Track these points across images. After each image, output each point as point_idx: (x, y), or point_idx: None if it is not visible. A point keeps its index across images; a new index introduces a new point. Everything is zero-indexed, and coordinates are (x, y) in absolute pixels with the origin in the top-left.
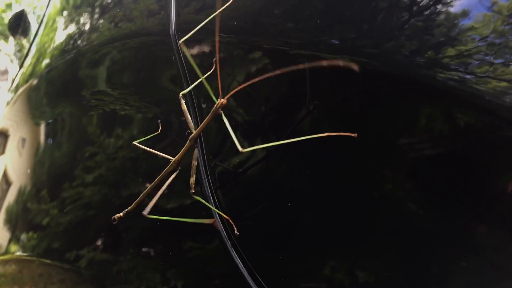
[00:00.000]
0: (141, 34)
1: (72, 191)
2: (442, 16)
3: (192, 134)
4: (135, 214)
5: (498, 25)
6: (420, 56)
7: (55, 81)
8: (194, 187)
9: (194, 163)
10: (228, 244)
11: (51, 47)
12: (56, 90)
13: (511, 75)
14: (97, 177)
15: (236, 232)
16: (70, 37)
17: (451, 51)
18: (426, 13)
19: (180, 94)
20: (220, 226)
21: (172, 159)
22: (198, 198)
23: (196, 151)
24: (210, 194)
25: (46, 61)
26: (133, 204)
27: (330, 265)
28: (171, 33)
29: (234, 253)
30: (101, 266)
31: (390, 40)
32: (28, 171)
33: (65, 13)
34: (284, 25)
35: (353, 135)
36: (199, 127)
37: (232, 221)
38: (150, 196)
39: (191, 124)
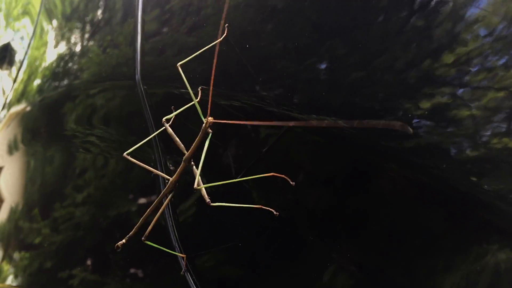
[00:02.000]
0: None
1: (63, 211)
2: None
3: (186, 155)
4: (119, 239)
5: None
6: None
7: (45, 114)
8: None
9: (197, 173)
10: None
11: (42, 66)
12: (46, 126)
13: (509, 80)
14: (86, 197)
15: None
16: (61, 57)
17: (448, 58)
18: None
19: (163, 119)
20: None
21: (169, 179)
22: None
23: (194, 169)
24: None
25: (37, 81)
26: (134, 229)
27: None
28: (136, 79)
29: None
30: (92, 287)
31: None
32: (20, 188)
33: (55, 23)
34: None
35: (291, 183)
36: (191, 148)
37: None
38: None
39: (182, 146)
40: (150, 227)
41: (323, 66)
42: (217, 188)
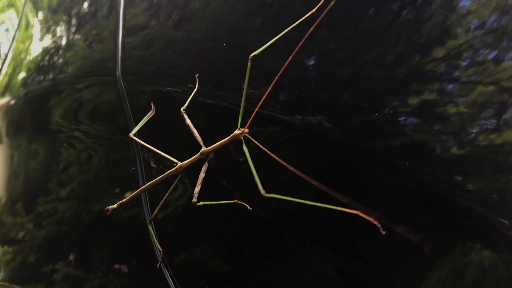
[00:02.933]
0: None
1: (47, 205)
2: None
3: (204, 149)
4: (102, 234)
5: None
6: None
7: (30, 108)
8: (197, 197)
9: (202, 175)
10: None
11: (27, 59)
12: (31, 120)
13: (502, 74)
14: (69, 192)
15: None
16: (46, 51)
17: (439, 52)
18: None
19: (182, 109)
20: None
21: (178, 163)
22: (202, 203)
23: (206, 164)
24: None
25: (22, 74)
26: (128, 197)
27: None
28: (117, 75)
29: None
30: (75, 282)
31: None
32: (3, 182)
33: (40, 15)
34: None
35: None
36: (213, 145)
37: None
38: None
39: (199, 138)
40: (156, 211)
41: (311, 62)
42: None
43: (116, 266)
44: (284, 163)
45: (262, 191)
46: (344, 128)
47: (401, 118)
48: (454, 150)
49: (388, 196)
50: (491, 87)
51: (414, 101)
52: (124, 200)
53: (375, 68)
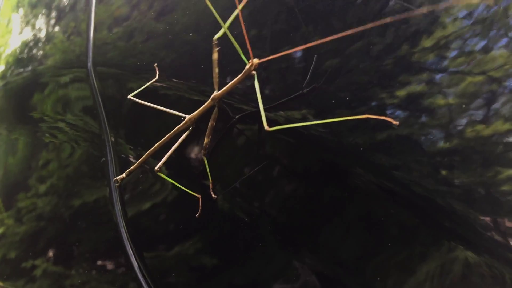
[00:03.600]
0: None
1: (27, 201)
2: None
3: (216, 93)
4: (83, 229)
5: None
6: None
7: (10, 99)
8: (207, 148)
9: (212, 123)
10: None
11: (6, 52)
12: (12, 110)
13: (490, 64)
14: (49, 187)
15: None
16: (25, 44)
17: (427, 42)
18: None
19: (214, 38)
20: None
21: (186, 117)
22: (205, 160)
23: (216, 110)
24: None
25: (1, 67)
26: (136, 163)
27: None
28: (88, 67)
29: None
30: (55, 278)
31: None
32: None
33: (21, 11)
34: None
35: (395, 122)
36: (226, 86)
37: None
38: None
39: (216, 80)
40: (164, 159)
41: (297, 54)
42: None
43: (99, 262)
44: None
45: (266, 127)
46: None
47: (388, 111)
48: (441, 143)
49: (372, 196)
50: (480, 78)
51: (401, 93)
52: (132, 167)
53: (362, 60)
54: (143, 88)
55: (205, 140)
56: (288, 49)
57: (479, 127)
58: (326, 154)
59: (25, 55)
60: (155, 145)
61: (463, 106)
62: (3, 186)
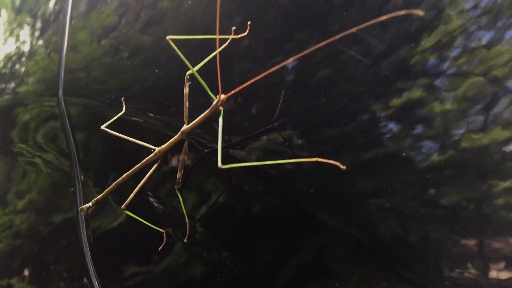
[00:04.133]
0: None
1: (5, 218)
2: None
3: (185, 127)
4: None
5: None
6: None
7: None
8: (181, 183)
9: (183, 157)
10: None
11: None
12: None
13: (495, 60)
14: (27, 203)
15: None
16: (8, 58)
17: (429, 41)
18: None
19: (187, 74)
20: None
21: (155, 149)
22: (179, 195)
23: (186, 144)
24: None
25: None
26: (103, 193)
27: None
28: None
29: None
30: None
31: None
32: None
33: (3, 15)
34: None
35: (342, 167)
36: (194, 121)
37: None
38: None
39: (186, 113)
40: (131, 196)
41: (289, 65)
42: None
43: (78, 282)
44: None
45: (219, 164)
46: (316, 142)
47: (380, 125)
48: (435, 156)
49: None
50: (481, 79)
51: (397, 101)
52: (99, 196)
53: (356, 67)
54: (113, 120)
55: (178, 175)
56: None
57: (476, 136)
58: (291, 194)
59: (7, 70)
60: (124, 175)
61: (462, 111)
62: None
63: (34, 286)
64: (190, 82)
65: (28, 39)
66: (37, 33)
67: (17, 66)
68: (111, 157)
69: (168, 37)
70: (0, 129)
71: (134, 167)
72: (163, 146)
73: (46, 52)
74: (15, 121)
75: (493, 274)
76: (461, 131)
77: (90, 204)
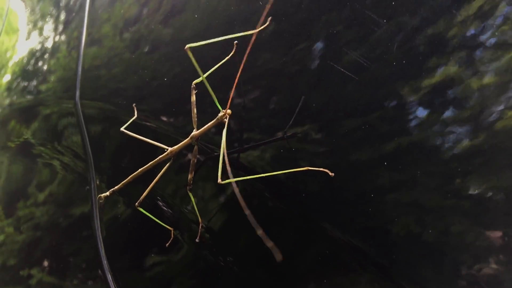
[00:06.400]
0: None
1: (26, 210)
2: None
3: (194, 133)
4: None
5: None
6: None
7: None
8: (192, 183)
9: (194, 160)
10: None
11: (13, 59)
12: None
13: None
14: (47, 196)
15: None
16: (32, 53)
17: (469, 9)
18: None
19: (193, 83)
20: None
21: (167, 149)
22: (190, 195)
23: (196, 148)
24: None
25: (7, 76)
26: (120, 184)
27: None
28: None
29: None
30: None
31: None
32: None
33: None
34: None
35: (330, 174)
36: (201, 129)
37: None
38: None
39: (195, 119)
40: (145, 193)
41: (314, 52)
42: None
43: (98, 272)
44: None
45: (219, 180)
46: (335, 135)
47: (409, 111)
48: (465, 142)
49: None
50: None
51: (429, 82)
52: (116, 187)
53: (387, 47)
54: (128, 124)
55: (189, 176)
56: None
57: None
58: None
59: (31, 67)
60: (139, 170)
61: (502, 85)
62: (4, 193)
63: (53, 276)
64: (196, 91)
65: (51, 34)
66: (60, 27)
67: (40, 63)
68: (123, 160)
69: (187, 47)
70: (17, 131)
71: (149, 164)
72: (175, 147)
73: (68, 49)
74: (35, 121)
75: None
76: (500, 107)
77: (107, 193)
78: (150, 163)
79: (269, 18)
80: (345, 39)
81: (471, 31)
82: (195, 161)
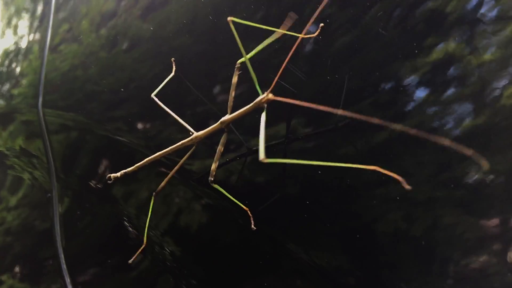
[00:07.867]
0: None
1: None
2: None
3: (225, 117)
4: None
5: None
6: None
7: None
8: (214, 175)
9: (221, 148)
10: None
11: None
12: None
13: None
14: (21, 198)
15: (252, 226)
16: (6, 54)
17: None
18: None
19: (238, 62)
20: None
21: (193, 133)
22: (216, 186)
23: (225, 136)
24: None
25: None
26: (133, 167)
27: None
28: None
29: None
30: None
31: None
32: None
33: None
34: None
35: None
36: (236, 113)
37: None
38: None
39: (231, 104)
40: (163, 183)
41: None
42: None
43: (81, 278)
44: None
45: (262, 157)
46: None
47: (407, 91)
48: (467, 121)
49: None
50: None
51: (426, 60)
52: (129, 169)
53: (382, 27)
54: (163, 86)
55: (212, 166)
56: None
57: None
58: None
59: (4, 69)
60: (156, 153)
61: (505, 60)
62: None
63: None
64: (240, 72)
65: (26, 32)
66: (35, 24)
67: (13, 65)
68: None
69: (229, 18)
70: None
71: (169, 148)
72: (201, 132)
73: (39, 51)
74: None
75: None
76: (504, 82)
77: (118, 174)
78: (171, 147)
79: (321, 25)
80: (338, 21)
81: (470, 4)
82: (222, 150)
